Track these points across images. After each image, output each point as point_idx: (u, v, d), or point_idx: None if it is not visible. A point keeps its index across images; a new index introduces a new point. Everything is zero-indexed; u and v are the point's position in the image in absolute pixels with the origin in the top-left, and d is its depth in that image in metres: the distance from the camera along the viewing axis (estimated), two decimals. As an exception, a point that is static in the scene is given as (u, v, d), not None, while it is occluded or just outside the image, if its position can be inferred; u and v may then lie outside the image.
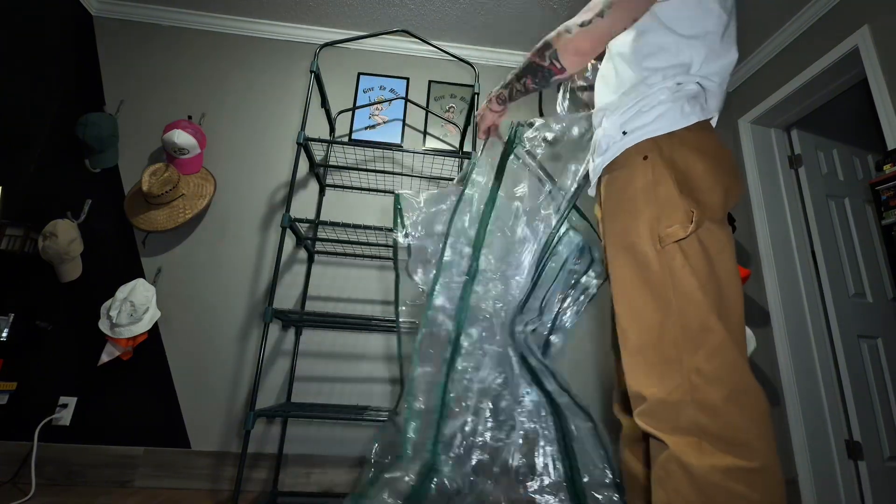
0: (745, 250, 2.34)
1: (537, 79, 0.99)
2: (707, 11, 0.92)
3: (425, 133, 2.34)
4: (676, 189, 0.82)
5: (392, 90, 2.37)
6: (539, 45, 0.97)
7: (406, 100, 2.29)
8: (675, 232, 0.80)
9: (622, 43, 0.97)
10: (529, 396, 1.11)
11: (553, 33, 0.96)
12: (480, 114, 1.19)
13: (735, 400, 0.74)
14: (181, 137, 2.00)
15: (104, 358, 1.81)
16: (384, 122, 2.32)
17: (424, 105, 2.34)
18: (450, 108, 2.39)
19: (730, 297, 0.81)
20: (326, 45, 1.82)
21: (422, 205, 1.23)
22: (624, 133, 0.91)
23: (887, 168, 1.58)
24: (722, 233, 0.84)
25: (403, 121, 2.32)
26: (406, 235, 1.21)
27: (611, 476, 1.02)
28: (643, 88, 0.90)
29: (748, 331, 2.03)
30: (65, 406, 1.82)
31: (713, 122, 0.95)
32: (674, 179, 0.83)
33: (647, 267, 0.82)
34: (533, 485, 1.00)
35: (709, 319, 0.77)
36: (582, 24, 0.91)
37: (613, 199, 0.93)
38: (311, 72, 1.76)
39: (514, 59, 2.50)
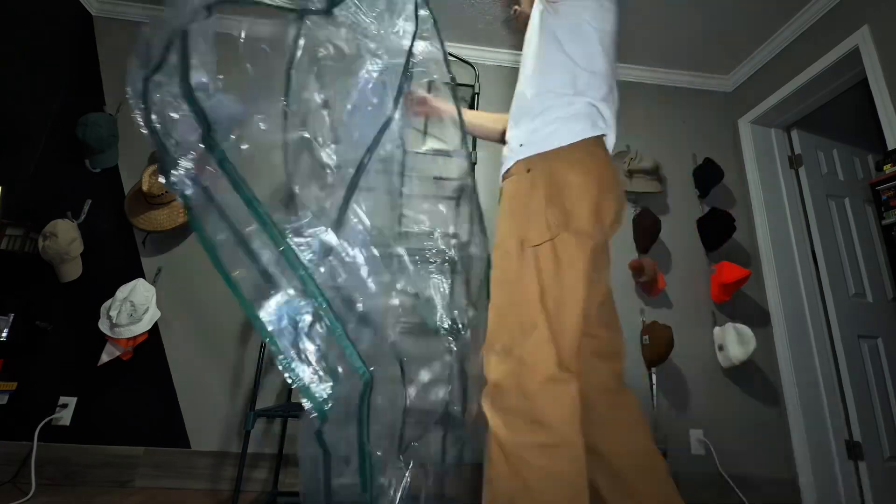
0: (745, 250, 2.34)
1: None
2: (587, 37, 1.01)
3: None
4: (545, 200, 0.92)
5: (392, 90, 2.36)
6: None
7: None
8: (533, 238, 0.91)
9: (528, 63, 1.07)
10: None
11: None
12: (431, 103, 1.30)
13: (547, 388, 0.84)
14: (181, 137, 2.00)
15: (104, 358, 1.81)
16: (384, 122, 2.31)
17: (424, 105, 2.33)
18: (450, 108, 2.39)
19: (567, 302, 0.89)
20: (326, 45, 1.82)
21: None
22: (521, 145, 1.00)
23: (887, 168, 1.58)
24: (577, 244, 0.91)
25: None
26: None
27: None
28: (539, 106, 1.00)
29: (747, 330, 2.03)
30: (65, 406, 1.82)
31: (609, 139, 1.02)
32: (545, 191, 0.93)
33: (508, 266, 0.94)
34: None
35: (537, 317, 0.88)
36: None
37: (502, 204, 1.04)
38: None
39: (515, 58, 2.50)
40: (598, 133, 0.98)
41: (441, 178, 2.18)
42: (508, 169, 1.03)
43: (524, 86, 1.07)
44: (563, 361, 0.86)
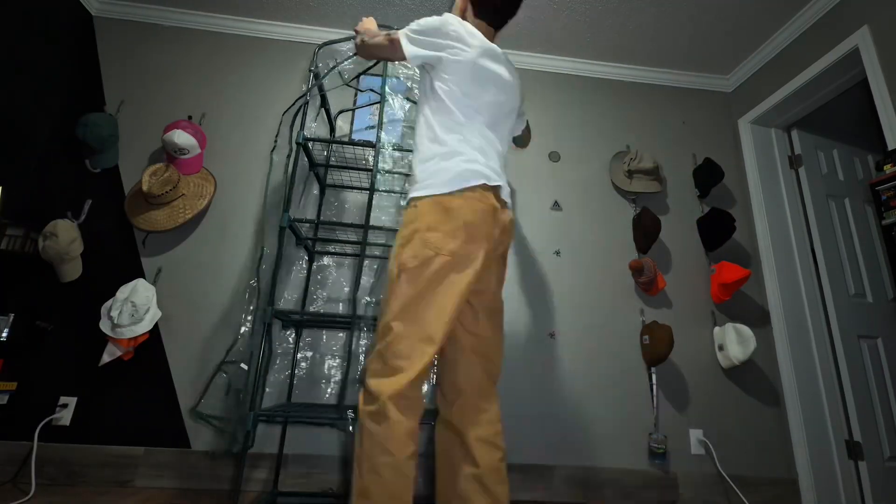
0: (745, 250, 2.34)
1: None
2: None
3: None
4: None
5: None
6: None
7: (407, 99, 2.29)
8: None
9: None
10: None
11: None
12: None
13: (373, 371, 1.12)
14: (181, 137, 2.00)
15: (106, 358, 1.81)
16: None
17: (424, 105, 2.33)
18: (450, 108, 2.38)
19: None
20: (326, 44, 1.82)
21: None
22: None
23: (887, 168, 1.58)
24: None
25: (404, 120, 2.32)
26: None
27: None
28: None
29: (747, 330, 2.03)
30: (65, 406, 1.82)
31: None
32: None
33: None
34: None
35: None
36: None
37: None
38: (311, 71, 1.76)
39: (515, 58, 2.49)
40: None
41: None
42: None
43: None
44: (403, 357, 1.07)
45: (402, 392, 1.04)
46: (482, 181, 1.17)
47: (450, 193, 1.15)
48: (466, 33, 1.25)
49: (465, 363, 1.23)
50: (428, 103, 1.27)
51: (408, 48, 1.25)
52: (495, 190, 1.21)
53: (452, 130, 1.21)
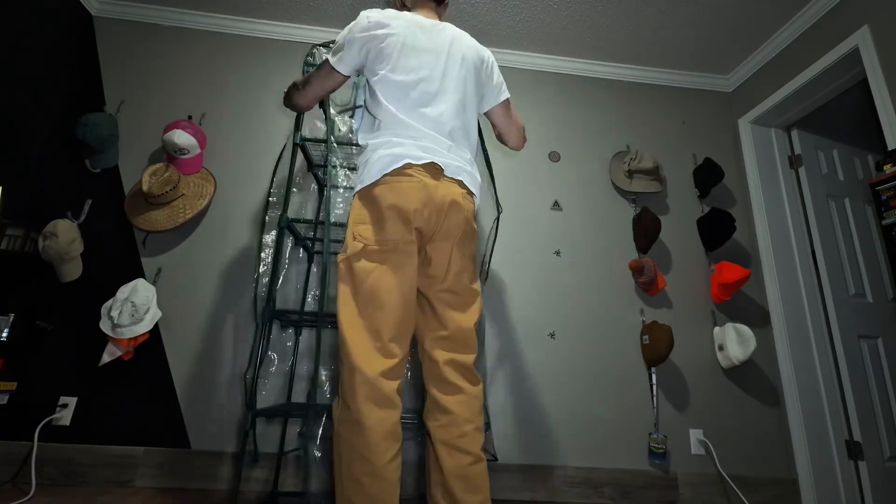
0: (745, 250, 2.34)
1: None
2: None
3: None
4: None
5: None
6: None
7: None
8: None
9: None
10: None
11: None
12: None
13: (344, 376, 1.08)
14: (181, 137, 2.00)
15: (106, 358, 1.81)
16: (384, 122, 2.31)
17: (424, 105, 2.33)
18: (450, 108, 2.38)
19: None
20: (324, 44, 1.82)
21: None
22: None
23: (887, 168, 1.58)
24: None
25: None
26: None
27: None
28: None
29: (747, 330, 2.03)
30: (65, 406, 1.82)
31: None
32: None
33: None
34: None
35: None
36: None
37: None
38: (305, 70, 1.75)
39: (516, 58, 2.50)
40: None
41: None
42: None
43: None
44: (357, 355, 1.05)
45: (370, 392, 1.02)
46: (404, 161, 1.13)
47: (373, 183, 1.15)
48: (384, 16, 1.23)
49: (427, 361, 1.20)
50: (362, 118, 1.28)
51: (336, 64, 1.24)
52: (428, 167, 1.16)
53: (378, 129, 1.21)
